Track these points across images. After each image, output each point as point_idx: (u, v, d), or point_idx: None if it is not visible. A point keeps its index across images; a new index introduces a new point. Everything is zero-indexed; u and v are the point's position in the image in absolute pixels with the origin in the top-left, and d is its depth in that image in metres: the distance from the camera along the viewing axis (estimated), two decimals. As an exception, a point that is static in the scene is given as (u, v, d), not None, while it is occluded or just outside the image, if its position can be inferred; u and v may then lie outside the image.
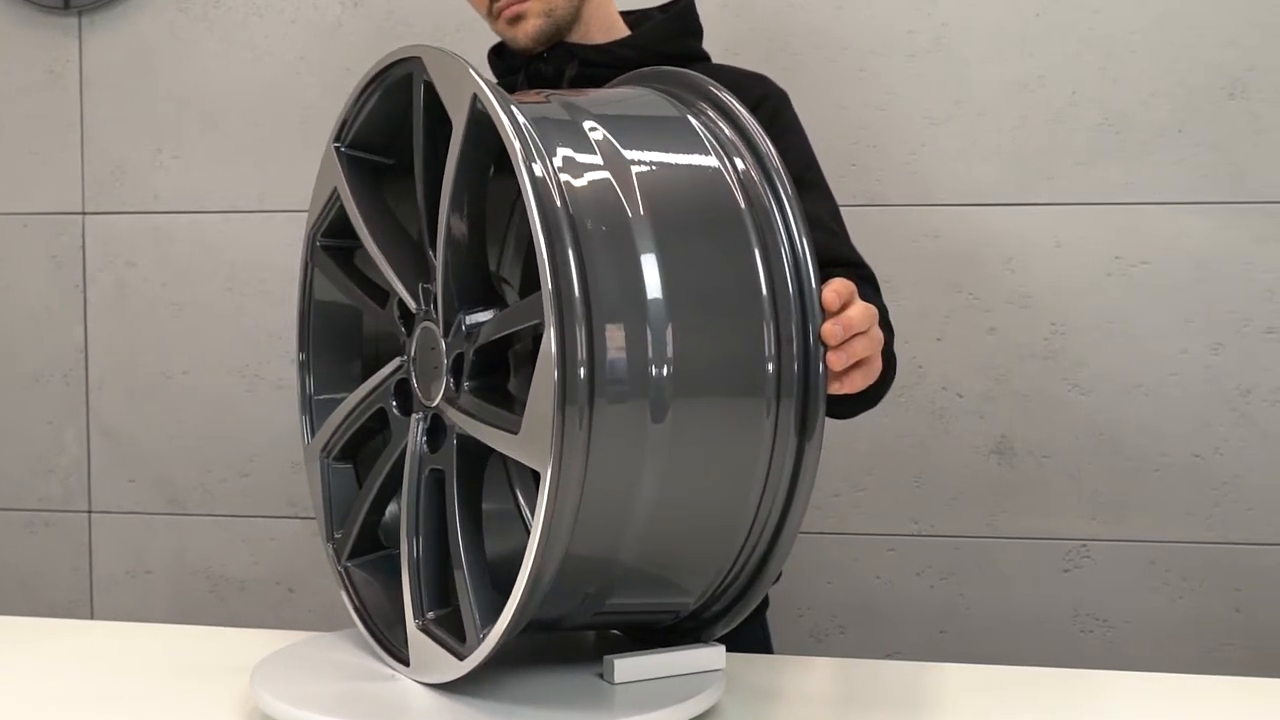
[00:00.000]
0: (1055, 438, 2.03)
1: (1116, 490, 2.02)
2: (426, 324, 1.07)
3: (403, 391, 1.14)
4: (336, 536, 1.21)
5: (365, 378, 1.25)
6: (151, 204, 2.25)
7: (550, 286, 0.86)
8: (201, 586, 2.28)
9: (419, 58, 1.02)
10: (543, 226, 0.87)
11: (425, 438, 1.06)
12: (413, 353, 1.09)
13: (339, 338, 1.27)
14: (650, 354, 0.91)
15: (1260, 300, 1.96)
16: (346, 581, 1.19)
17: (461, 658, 0.97)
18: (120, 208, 2.25)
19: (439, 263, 1.01)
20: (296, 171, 2.18)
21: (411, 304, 1.07)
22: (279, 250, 2.19)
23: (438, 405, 1.05)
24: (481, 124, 0.96)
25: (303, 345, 1.26)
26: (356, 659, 1.13)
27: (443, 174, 0.99)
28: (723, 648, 1.11)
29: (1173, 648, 2.01)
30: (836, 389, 1.04)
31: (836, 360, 1.01)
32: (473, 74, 0.96)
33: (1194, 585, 2.01)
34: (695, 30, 1.55)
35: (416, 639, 1.03)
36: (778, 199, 1.01)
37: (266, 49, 2.20)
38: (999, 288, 2.03)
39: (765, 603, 1.58)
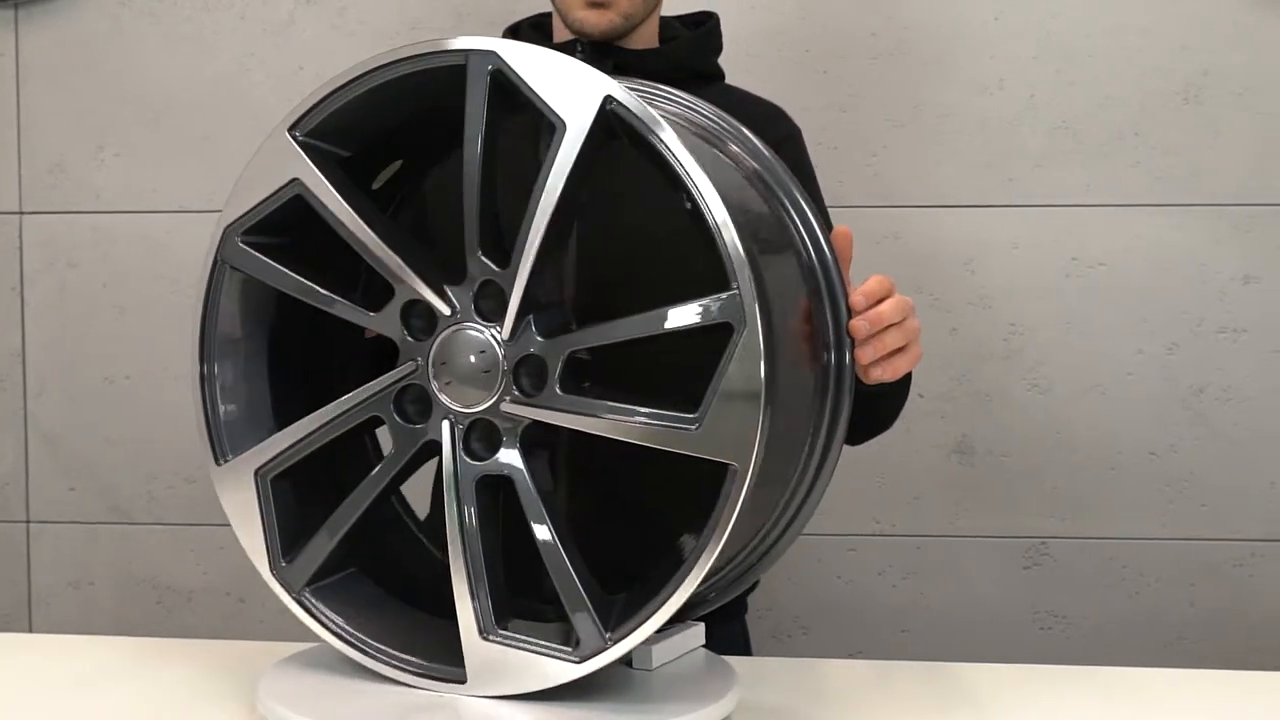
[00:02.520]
0: (1015, 437, 2.05)
1: (1075, 488, 2.05)
2: (465, 327, 1.03)
3: (401, 400, 1.08)
4: (284, 564, 1.12)
5: (275, 389, 1.17)
6: (93, 203, 2.17)
7: (754, 291, 0.93)
8: (148, 598, 2.21)
9: (493, 51, 0.99)
10: (740, 236, 0.92)
11: (463, 446, 1.02)
12: (433, 359, 1.05)
13: (245, 347, 1.17)
14: (777, 354, 0.98)
15: (1213, 300, 2.01)
16: (315, 610, 1.11)
17: (580, 660, 0.98)
18: (60, 207, 2.18)
19: (522, 266, 0.99)
20: (247, 170, 2.12)
21: (444, 309, 1.04)
22: (229, 251, 2.13)
23: (488, 409, 1.02)
24: (606, 127, 0.97)
25: (205, 357, 1.14)
26: (368, 676, 1.09)
27: (489, 171, 0.98)
28: (702, 626, 1.18)
29: (1130, 642, 2.05)
30: (879, 375, 1.12)
31: (864, 354, 1.08)
32: (608, 78, 0.97)
33: (1150, 581, 2.05)
34: (719, 48, 1.59)
35: (481, 652, 1.01)
36: (804, 219, 1.10)
37: (214, 44, 2.14)
38: (959, 289, 2.05)
39: (744, 606, 1.58)
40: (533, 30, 1.54)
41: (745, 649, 1.58)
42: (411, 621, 1.09)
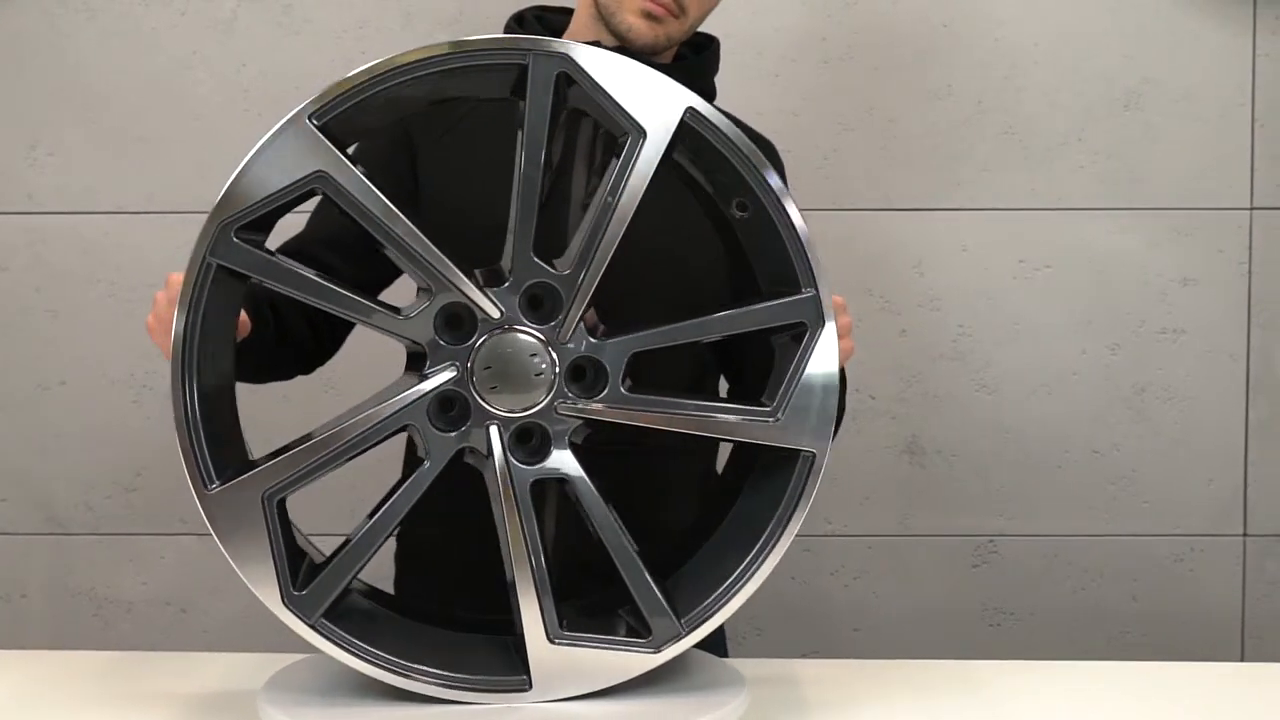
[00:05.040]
0: (964, 437, 2.09)
1: (1022, 487, 2.09)
2: (514, 330, 1.01)
3: (433, 408, 1.04)
4: (298, 594, 1.04)
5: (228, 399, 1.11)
6: (25, 204, 2.10)
7: (829, 292, 1.03)
8: (85, 610, 2.15)
9: (565, 54, 0.98)
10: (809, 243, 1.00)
11: (508, 451, 1.00)
12: (475, 364, 1.02)
13: (224, 357, 1.08)
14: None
15: (1154, 302, 2.06)
16: (338, 637, 1.05)
17: (656, 650, 1.02)
18: (-10, 208, 2.11)
19: (591, 270, 0.99)
20: (189, 171, 2.08)
21: (494, 311, 1.01)
22: (171, 254, 2.07)
23: (540, 412, 1.01)
24: (682, 136, 1.00)
25: (187, 370, 1.03)
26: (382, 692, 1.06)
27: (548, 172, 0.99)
28: None
29: (1076, 636, 2.09)
30: None
31: None
32: (687, 89, 1.02)
33: (1094, 577, 2.10)
34: (717, 68, 1.60)
35: (549, 657, 1.00)
36: None
37: (154, 41, 2.08)
38: (908, 291, 2.08)
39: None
40: (538, 24, 1.52)
41: (724, 651, 1.58)
42: (438, 637, 1.06)
